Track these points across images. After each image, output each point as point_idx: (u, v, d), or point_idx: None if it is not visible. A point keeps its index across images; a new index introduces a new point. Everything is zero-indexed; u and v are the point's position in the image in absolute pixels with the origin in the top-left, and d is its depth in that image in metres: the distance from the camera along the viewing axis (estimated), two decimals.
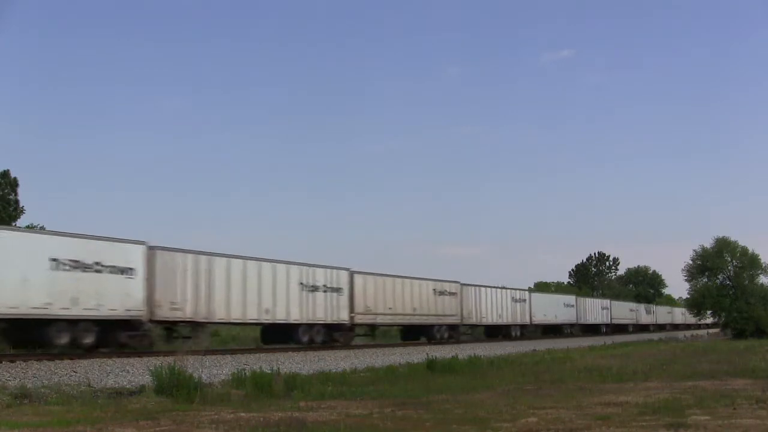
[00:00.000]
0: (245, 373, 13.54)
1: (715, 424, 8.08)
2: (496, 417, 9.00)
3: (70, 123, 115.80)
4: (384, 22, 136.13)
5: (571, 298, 56.48)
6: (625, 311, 66.61)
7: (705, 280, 50.98)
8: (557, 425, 8.21)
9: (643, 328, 68.71)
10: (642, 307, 72.97)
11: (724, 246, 50.03)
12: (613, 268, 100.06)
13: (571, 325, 54.17)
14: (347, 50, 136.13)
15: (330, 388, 12.86)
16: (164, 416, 9.28)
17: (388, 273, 33.54)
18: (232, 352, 24.55)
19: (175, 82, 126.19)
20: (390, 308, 32.79)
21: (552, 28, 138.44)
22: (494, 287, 44.18)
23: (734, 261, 50.20)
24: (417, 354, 23.98)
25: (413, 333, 36.73)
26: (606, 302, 63.36)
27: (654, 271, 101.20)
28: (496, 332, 43.62)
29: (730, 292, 49.17)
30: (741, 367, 17.42)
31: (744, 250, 50.07)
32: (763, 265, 49.91)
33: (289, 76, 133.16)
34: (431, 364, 17.71)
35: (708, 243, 50.81)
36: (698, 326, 71.02)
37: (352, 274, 31.03)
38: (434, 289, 36.76)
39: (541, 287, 76.98)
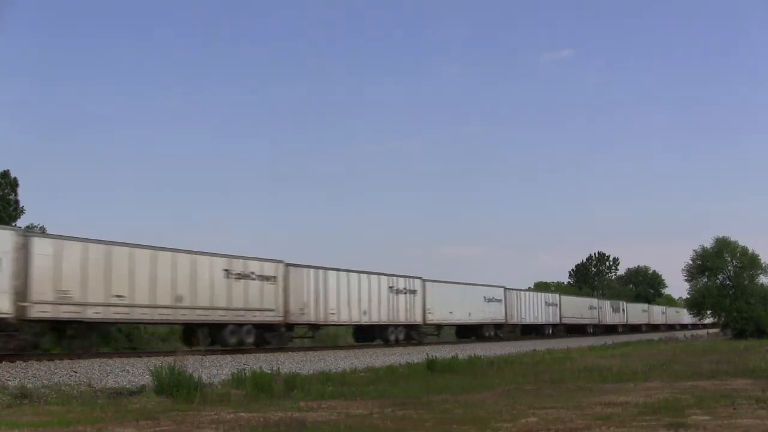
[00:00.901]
0: (245, 373, 13.55)
1: (715, 424, 8.08)
2: (496, 417, 9.00)
3: (70, 123, 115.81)
4: (384, 22, 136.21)
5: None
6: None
7: (705, 280, 50.96)
8: (557, 425, 8.21)
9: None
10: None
11: (724, 246, 50.01)
12: (613, 268, 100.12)
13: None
14: (347, 50, 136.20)
15: (330, 388, 12.86)
16: (164, 416, 9.28)
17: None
18: (232, 352, 24.57)
19: (175, 82, 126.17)
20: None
21: (552, 27, 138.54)
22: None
23: (734, 261, 50.16)
24: (417, 354, 24.00)
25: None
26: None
27: (654, 271, 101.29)
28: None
29: (730, 292, 49.13)
30: (741, 367, 17.42)
31: (744, 250, 50.05)
32: (763, 265, 49.87)
33: (289, 76, 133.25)
34: (431, 364, 17.71)
35: (708, 243, 50.84)
36: (675, 328, 70.61)
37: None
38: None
39: (541, 287, 77.04)
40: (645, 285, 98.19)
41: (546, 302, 50.04)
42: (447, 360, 18.48)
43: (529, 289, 54.17)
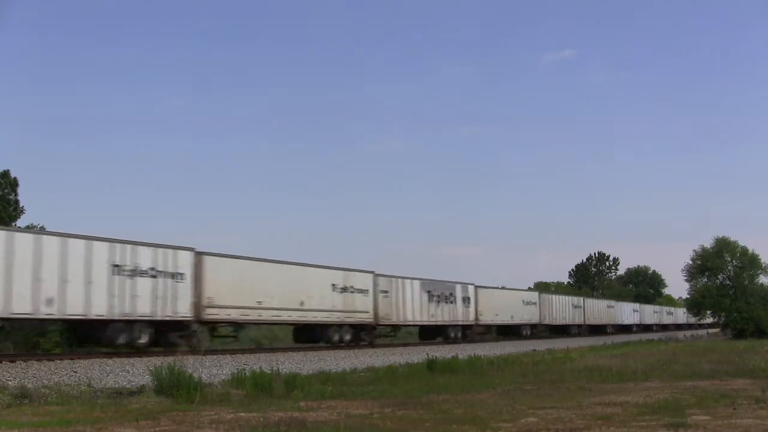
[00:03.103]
0: (245, 373, 13.55)
1: (715, 424, 8.08)
2: (496, 417, 9.00)
3: (70, 123, 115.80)
4: (385, 22, 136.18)
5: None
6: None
7: (705, 280, 50.97)
8: (557, 425, 8.21)
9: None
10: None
11: (724, 246, 50.01)
12: (613, 268, 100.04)
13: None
14: (347, 50, 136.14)
15: (330, 388, 12.86)
16: (164, 416, 9.28)
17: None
18: (232, 352, 24.58)
19: (175, 82, 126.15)
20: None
21: (554, 27, 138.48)
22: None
23: (734, 261, 50.17)
24: (417, 354, 24.02)
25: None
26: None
27: (654, 271, 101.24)
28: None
29: (730, 292, 49.14)
30: (741, 367, 17.43)
31: (744, 250, 50.05)
32: (763, 265, 49.88)
33: (290, 76, 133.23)
34: (431, 364, 17.71)
35: (708, 243, 50.86)
36: (649, 328, 68.72)
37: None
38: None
39: (542, 287, 77.11)
40: (645, 285, 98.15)
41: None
42: (447, 360, 18.47)
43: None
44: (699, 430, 7.73)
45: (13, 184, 39.49)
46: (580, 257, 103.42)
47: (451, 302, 38.28)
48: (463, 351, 24.59)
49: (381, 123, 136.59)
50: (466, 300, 40.06)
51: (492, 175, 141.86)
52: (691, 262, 50.99)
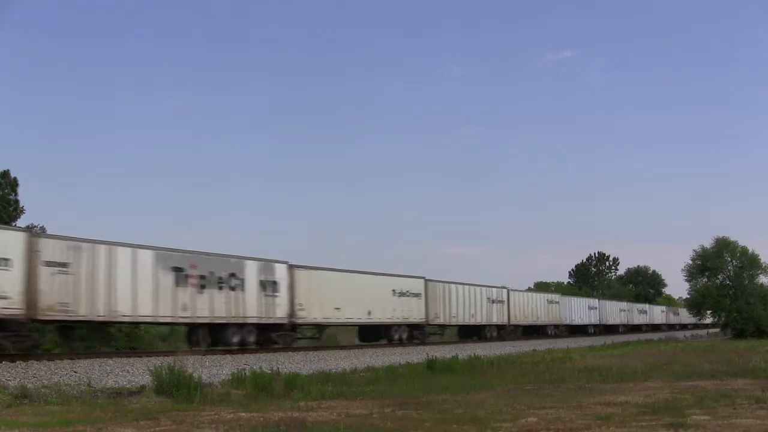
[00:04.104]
0: (245, 373, 13.55)
1: (715, 424, 8.08)
2: (496, 417, 8.99)
3: (70, 123, 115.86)
4: (386, 23, 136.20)
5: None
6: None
7: (705, 280, 50.96)
8: (557, 425, 8.21)
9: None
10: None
11: (724, 246, 50.02)
12: (613, 268, 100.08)
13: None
14: (349, 51, 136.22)
15: (330, 388, 12.85)
16: (164, 416, 9.28)
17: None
18: (232, 352, 24.60)
19: (175, 82, 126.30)
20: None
21: (554, 28, 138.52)
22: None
23: (734, 261, 50.19)
24: (417, 354, 24.02)
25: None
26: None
27: (654, 271, 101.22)
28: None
29: (730, 292, 49.14)
30: (741, 367, 17.42)
31: (744, 250, 50.06)
32: (763, 265, 49.91)
33: (291, 76, 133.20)
34: (431, 364, 17.71)
35: (708, 243, 50.87)
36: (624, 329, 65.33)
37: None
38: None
39: (542, 287, 77.11)
40: (645, 285, 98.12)
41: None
42: (447, 360, 18.47)
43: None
44: (699, 430, 7.72)
45: (13, 184, 39.51)
46: (580, 257, 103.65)
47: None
48: (463, 351, 24.58)
49: (381, 123, 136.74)
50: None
51: (492, 175, 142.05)
52: (691, 262, 51.05)
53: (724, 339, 45.50)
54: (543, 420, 8.64)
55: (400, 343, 33.57)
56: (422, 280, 36.40)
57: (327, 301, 29.60)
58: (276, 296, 27.09)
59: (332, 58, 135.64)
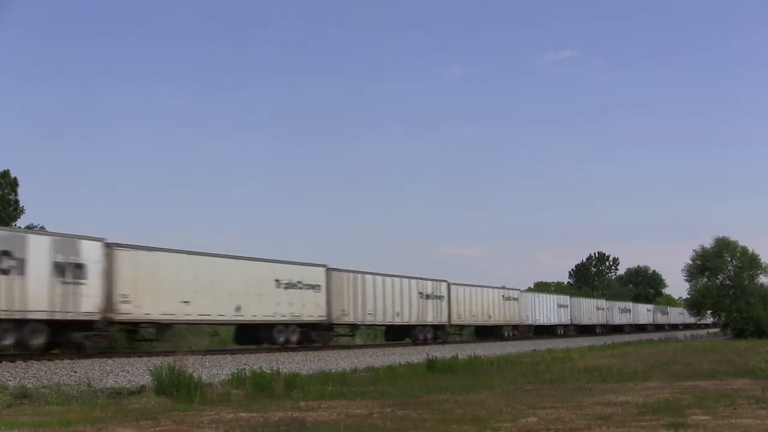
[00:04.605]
0: (245, 373, 13.55)
1: (715, 424, 8.08)
2: (496, 417, 8.99)
3: (69, 123, 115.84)
4: (386, 23, 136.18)
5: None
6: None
7: (705, 280, 50.95)
8: (557, 425, 8.21)
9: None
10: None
11: (724, 246, 50.00)
12: (613, 268, 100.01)
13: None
14: (349, 51, 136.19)
15: (330, 388, 12.85)
16: (164, 416, 9.28)
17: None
18: (232, 352, 24.59)
19: (176, 82, 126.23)
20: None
21: (554, 28, 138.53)
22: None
23: (734, 261, 50.17)
24: (417, 354, 24.00)
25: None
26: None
27: (654, 271, 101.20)
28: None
29: (730, 292, 49.13)
30: (741, 367, 17.42)
31: (744, 250, 50.05)
32: (763, 265, 49.88)
33: (291, 76, 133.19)
34: (431, 364, 17.70)
35: (708, 243, 50.85)
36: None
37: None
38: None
39: (542, 287, 77.13)
40: (645, 285, 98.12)
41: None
42: (447, 360, 18.47)
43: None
44: (699, 430, 7.73)
45: (13, 184, 39.52)
46: (580, 257, 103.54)
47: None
48: (463, 351, 24.58)
49: (381, 123, 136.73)
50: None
51: (492, 175, 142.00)
52: (691, 262, 51.03)
53: (724, 339, 45.51)
54: (543, 420, 8.64)
55: (286, 346, 26.99)
56: (322, 269, 29.58)
57: (169, 292, 23.04)
58: (81, 284, 20.60)
59: (332, 58, 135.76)
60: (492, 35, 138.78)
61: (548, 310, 50.71)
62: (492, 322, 42.80)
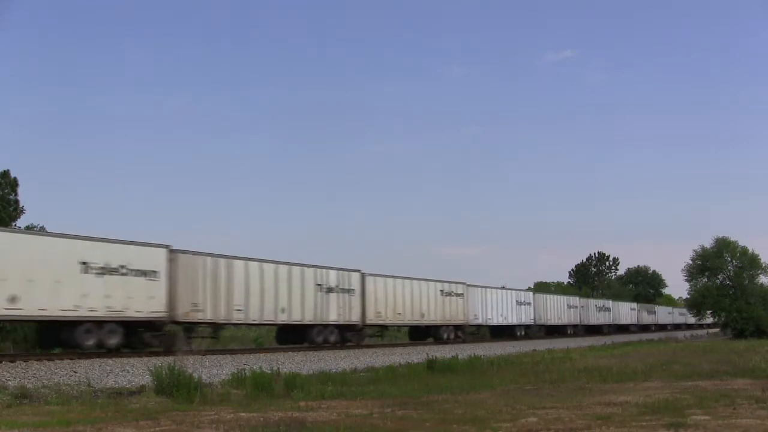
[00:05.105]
0: (245, 373, 13.55)
1: (715, 424, 8.08)
2: (496, 417, 8.99)
3: (70, 123, 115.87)
4: (386, 23, 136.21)
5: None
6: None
7: (705, 280, 50.91)
8: (557, 425, 8.21)
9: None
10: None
11: (724, 246, 49.97)
12: (613, 268, 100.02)
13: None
14: (349, 51, 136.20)
15: (330, 388, 12.85)
16: (164, 416, 9.27)
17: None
18: (232, 352, 24.57)
19: (176, 82, 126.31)
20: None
21: (554, 28, 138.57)
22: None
23: (734, 261, 50.13)
24: (417, 354, 23.99)
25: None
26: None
27: (654, 271, 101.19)
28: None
29: (730, 292, 49.10)
30: (741, 367, 17.41)
31: (744, 250, 50.01)
32: (763, 265, 49.83)
33: (291, 76, 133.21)
34: (431, 364, 17.70)
35: (708, 243, 50.83)
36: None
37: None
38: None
39: (542, 287, 77.08)
40: (645, 285, 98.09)
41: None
42: (447, 360, 18.46)
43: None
44: (699, 430, 7.72)
45: (13, 184, 39.46)
46: (580, 257, 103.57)
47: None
48: (463, 351, 24.57)
49: (382, 123, 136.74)
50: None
51: (492, 175, 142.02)
52: (691, 262, 50.99)
53: (724, 339, 45.49)
54: (543, 420, 8.64)
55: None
56: (164, 250, 22.90)
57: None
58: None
59: (332, 58, 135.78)
60: (492, 35, 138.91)
61: (504, 307, 44.24)
62: (426, 321, 35.86)
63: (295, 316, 27.40)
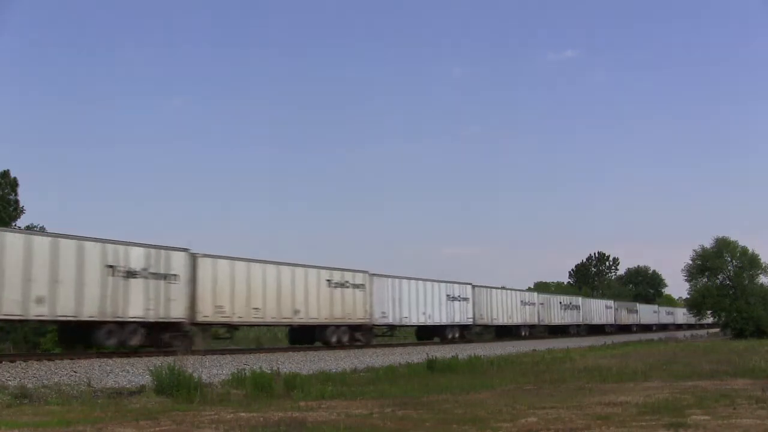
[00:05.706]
0: (245, 373, 13.55)
1: (715, 424, 8.08)
2: (496, 417, 8.99)
3: (70, 123, 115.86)
4: (387, 24, 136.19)
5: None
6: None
7: (705, 280, 50.89)
8: (557, 425, 8.21)
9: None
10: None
11: (724, 246, 49.94)
12: (613, 268, 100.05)
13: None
14: (349, 52, 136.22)
15: (330, 388, 12.85)
16: (164, 416, 9.27)
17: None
18: (232, 352, 24.57)
19: (177, 84, 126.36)
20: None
21: (556, 28, 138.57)
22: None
23: (734, 261, 50.10)
24: (417, 354, 23.99)
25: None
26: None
27: (654, 271, 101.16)
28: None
29: (730, 292, 49.08)
30: (741, 367, 17.40)
31: (744, 250, 49.98)
32: (763, 265, 49.80)
33: (292, 77, 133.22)
34: (431, 364, 17.70)
35: (708, 243, 50.81)
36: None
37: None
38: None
39: (542, 287, 77.05)
40: (645, 285, 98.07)
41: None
42: (447, 360, 18.46)
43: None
44: (699, 430, 7.72)
45: (13, 184, 39.52)
46: (580, 257, 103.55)
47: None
48: (463, 351, 24.57)
49: (382, 123, 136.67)
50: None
51: (493, 176, 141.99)
52: (691, 262, 50.95)
53: (724, 339, 45.48)
54: (543, 420, 8.64)
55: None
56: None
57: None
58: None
59: (332, 58, 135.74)
60: (492, 35, 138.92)
61: (430, 304, 35.82)
62: (308, 320, 27.99)
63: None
